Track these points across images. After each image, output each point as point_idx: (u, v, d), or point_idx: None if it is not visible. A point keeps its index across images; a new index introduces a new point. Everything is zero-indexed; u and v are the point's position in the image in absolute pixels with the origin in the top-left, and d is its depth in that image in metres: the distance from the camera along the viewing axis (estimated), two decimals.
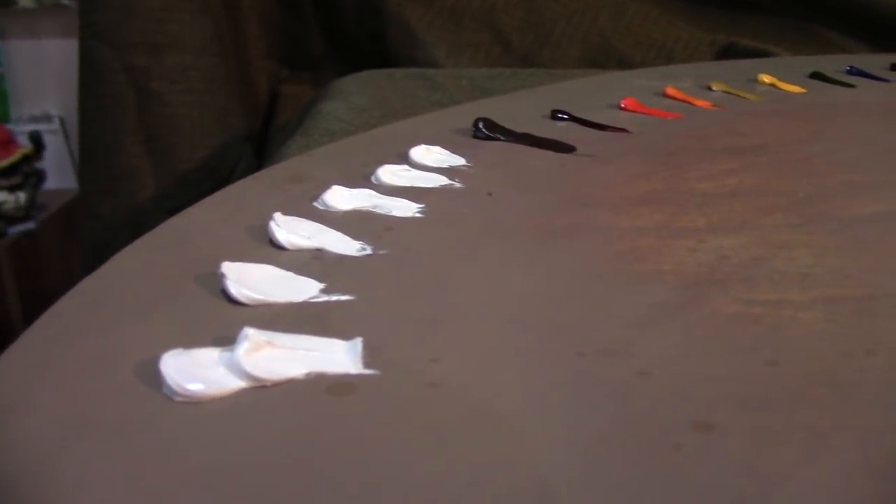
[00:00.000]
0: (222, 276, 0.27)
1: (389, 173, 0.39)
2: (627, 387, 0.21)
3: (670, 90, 0.55)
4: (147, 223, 0.77)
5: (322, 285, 0.27)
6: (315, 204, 0.35)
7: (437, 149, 0.43)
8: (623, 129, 0.47)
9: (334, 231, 0.32)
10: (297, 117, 0.69)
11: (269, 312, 0.26)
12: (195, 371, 0.21)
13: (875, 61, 0.67)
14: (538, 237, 0.32)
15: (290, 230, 0.31)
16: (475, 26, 0.80)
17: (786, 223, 0.33)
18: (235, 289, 0.26)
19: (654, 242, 0.31)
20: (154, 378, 0.22)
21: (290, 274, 0.28)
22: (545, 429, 0.20)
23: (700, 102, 0.53)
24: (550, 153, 0.43)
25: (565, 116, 0.50)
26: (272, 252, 0.30)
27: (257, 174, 0.40)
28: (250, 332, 0.22)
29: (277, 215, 0.31)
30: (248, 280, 0.27)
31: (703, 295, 0.26)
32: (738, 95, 0.55)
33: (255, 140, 0.84)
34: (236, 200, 0.36)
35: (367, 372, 0.22)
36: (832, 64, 0.66)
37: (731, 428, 0.19)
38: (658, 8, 0.81)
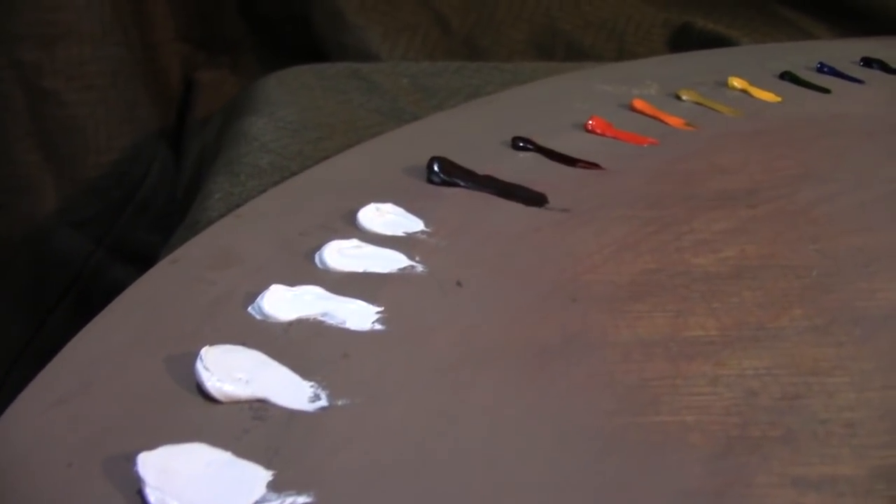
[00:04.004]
0: (139, 478, 0.21)
1: (337, 254, 0.32)
2: None
3: (638, 103, 0.50)
4: (49, 241, 0.68)
5: (270, 475, 0.22)
6: (250, 311, 0.29)
7: (389, 207, 0.36)
8: (595, 165, 0.42)
9: (278, 365, 0.26)
10: (216, 122, 0.61)
11: None
12: None
13: (841, 51, 0.62)
14: (529, 363, 0.26)
15: (224, 373, 0.25)
16: (411, 7, 0.72)
17: (808, 325, 0.28)
18: (157, 500, 0.20)
19: (666, 369, 0.26)
20: None
21: (228, 457, 0.22)
22: None
23: (672, 120, 0.48)
24: (519, 205, 0.38)
25: (529, 147, 0.44)
26: (201, 406, 0.24)
27: (175, 255, 0.33)
28: None
29: (205, 353, 0.25)
30: (174, 481, 0.21)
31: (741, 470, 0.22)
32: (710, 108, 0.50)
33: (170, 135, 0.75)
34: (150, 310, 0.29)
35: None
36: (798, 55, 0.61)
37: None
38: None
